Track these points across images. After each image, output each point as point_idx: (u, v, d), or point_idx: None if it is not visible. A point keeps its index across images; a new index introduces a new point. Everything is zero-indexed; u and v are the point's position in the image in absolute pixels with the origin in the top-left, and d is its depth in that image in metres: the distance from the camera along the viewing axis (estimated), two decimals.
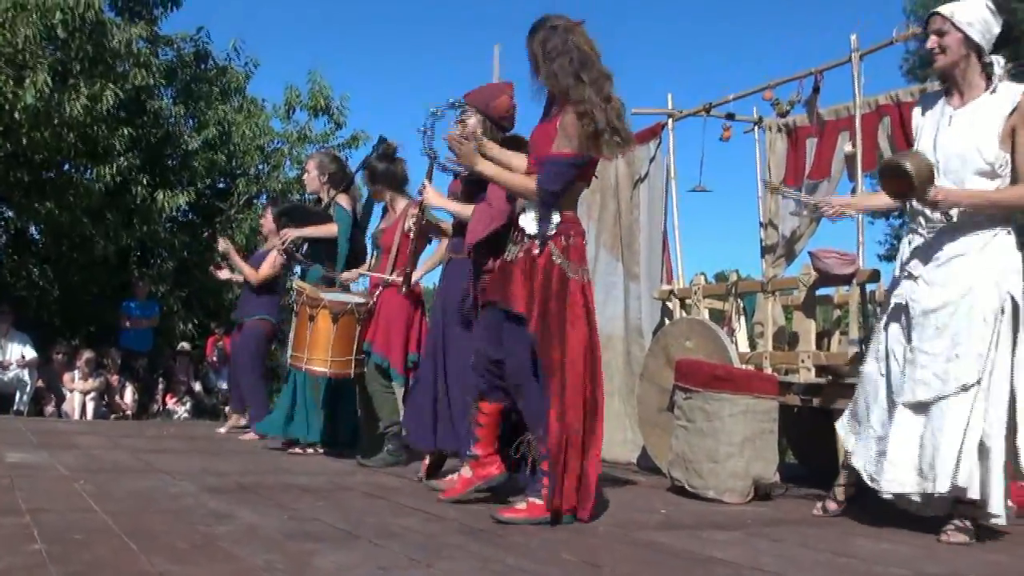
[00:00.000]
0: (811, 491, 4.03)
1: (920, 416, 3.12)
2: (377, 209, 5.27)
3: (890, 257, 15.87)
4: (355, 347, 4.81)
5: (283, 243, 5.48)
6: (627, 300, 5.52)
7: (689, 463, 3.93)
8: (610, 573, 2.34)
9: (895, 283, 3.35)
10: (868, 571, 2.54)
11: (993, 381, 3.04)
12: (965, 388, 3.03)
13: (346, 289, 5.15)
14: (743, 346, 4.74)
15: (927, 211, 3.20)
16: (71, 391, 8.71)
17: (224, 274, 7.04)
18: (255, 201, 11.37)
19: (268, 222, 6.51)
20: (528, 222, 3.14)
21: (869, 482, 3.26)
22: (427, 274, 4.84)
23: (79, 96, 8.38)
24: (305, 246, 5.53)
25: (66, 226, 9.57)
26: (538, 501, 3.03)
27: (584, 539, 2.82)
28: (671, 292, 5.11)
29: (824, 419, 4.29)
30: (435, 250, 4.69)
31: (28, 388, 8.48)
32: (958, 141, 3.16)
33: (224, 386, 9.21)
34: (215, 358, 10.07)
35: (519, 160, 3.36)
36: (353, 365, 4.82)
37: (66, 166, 9.78)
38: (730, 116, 5.20)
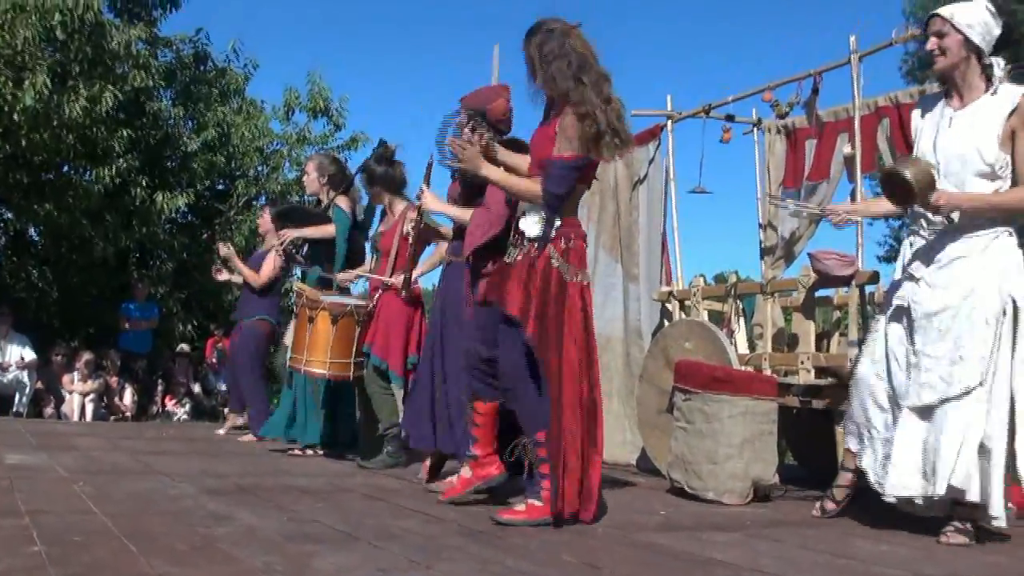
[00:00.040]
0: (810, 492, 4.03)
1: (924, 420, 3.12)
2: (379, 211, 5.27)
3: (890, 258, 15.85)
4: (354, 349, 4.81)
5: (282, 243, 5.48)
6: (626, 302, 5.52)
7: (688, 464, 3.93)
8: (609, 575, 2.34)
9: (896, 285, 3.35)
10: (867, 572, 2.54)
11: (995, 383, 3.04)
12: (968, 391, 3.03)
13: (344, 291, 5.15)
14: (742, 347, 4.73)
15: (928, 214, 3.21)
16: (70, 393, 8.70)
17: (223, 275, 7.05)
18: (254, 203, 11.35)
19: (265, 222, 6.51)
20: (528, 225, 3.14)
21: (876, 487, 3.26)
22: (426, 274, 4.85)
23: (78, 98, 8.36)
24: (305, 247, 5.53)
25: (65, 228, 9.56)
26: (537, 503, 3.03)
27: (584, 540, 2.81)
28: (670, 293, 5.11)
29: (823, 420, 4.29)
30: (434, 251, 4.69)
31: (27, 390, 8.47)
32: (958, 143, 3.16)
33: (223, 388, 9.20)
34: (214, 360, 10.08)
35: (525, 163, 3.36)
36: (352, 367, 4.83)
37: (65, 168, 9.77)
38: (729, 117, 5.20)
